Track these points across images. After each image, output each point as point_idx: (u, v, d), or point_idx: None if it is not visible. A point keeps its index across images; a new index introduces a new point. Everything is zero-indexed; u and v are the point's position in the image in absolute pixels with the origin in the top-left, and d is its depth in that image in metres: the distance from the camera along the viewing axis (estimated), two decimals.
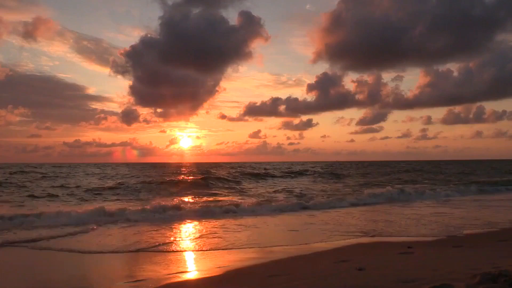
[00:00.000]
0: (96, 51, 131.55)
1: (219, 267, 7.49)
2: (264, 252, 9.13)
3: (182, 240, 10.73)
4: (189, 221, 13.93)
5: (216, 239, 10.58)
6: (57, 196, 22.14)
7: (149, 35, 68.39)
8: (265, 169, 57.96)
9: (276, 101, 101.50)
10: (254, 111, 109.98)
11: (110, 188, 26.91)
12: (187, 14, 56.28)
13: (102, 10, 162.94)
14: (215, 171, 49.27)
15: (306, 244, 9.93)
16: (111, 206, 16.85)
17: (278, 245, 9.71)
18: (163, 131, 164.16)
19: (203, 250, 9.28)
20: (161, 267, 7.54)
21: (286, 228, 12.56)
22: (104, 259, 8.49)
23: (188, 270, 7.48)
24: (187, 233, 11.86)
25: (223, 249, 9.27)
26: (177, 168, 75.42)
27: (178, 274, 7.07)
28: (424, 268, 5.67)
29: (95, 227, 12.16)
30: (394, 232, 11.34)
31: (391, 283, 4.88)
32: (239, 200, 19.95)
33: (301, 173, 48.10)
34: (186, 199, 21.40)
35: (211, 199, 21.36)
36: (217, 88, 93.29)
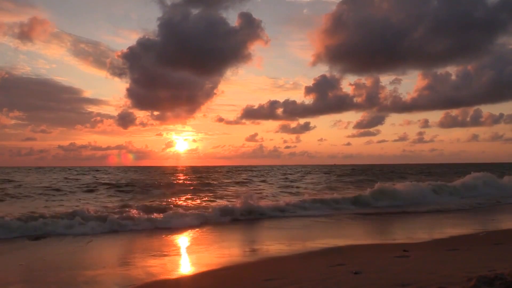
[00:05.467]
0: (93, 54, 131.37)
1: (212, 269, 7.46)
2: (259, 252, 9.13)
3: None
4: None
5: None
6: None
7: (147, 37, 68.07)
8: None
9: (273, 104, 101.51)
10: (251, 114, 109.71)
11: None
12: (185, 15, 56.02)
13: (100, 13, 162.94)
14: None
15: (301, 244, 9.98)
16: None
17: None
18: (160, 134, 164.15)
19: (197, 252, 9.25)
20: (153, 269, 7.53)
21: None
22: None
23: (180, 271, 7.45)
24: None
25: (215, 250, 9.27)
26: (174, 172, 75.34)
27: (169, 276, 7.05)
28: (420, 271, 5.66)
29: None
30: None
31: (387, 287, 4.87)
32: None
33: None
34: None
35: None
36: (215, 91, 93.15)
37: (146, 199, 20.71)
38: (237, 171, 73.10)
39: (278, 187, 31.73)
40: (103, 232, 12.10)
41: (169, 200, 20.50)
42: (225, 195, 24.47)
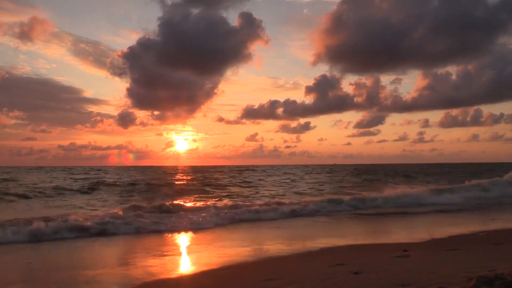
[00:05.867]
0: (93, 53, 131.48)
1: (212, 269, 7.47)
2: (259, 252, 9.14)
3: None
4: None
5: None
6: None
7: (147, 37, 67.96)
8: None
9: (274, 103, 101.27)
10: (251, 114, 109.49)
11: None
12: (186, 14, 55.93)
13: (100, 13, 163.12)
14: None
15: (301, 244, 9.99)
16: None
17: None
18: (160, 134, 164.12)
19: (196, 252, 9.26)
20: (153, 269, 7.53)
21: None
22: None
23: (180, 271, 7.46)
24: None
25: (215, 250, 9.29)
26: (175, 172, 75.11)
27: (169, 275, 7.06)
28: (420, 271, 5.66)
29: None
30: None
31: (387, 287, 4.87)
32: None
33: None
34: None
35: None
36: (215, 91, 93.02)
37: (155, 200, 20.47)
38: (240, 170, 72.64)
39: (298, 188, 30.22)
40: (119, 233, 11.87)
41: (181, 201, 20.30)
42: (235, 195, 24.32)
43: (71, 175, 51.15)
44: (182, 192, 26.56)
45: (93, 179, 39.56)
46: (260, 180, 41.13)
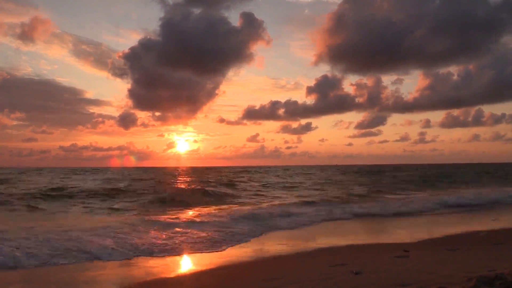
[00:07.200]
0: (94, 54, 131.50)
1: (211, 268, 7.47)
2: (259, 252, 9.13)
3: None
4: None
5: None
6: None
7: (148, 37, 67.93)
8: None
9: (275, 104, 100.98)
10: (252, 114, 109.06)
11: None
12: (187, 15, 55.87)
13: (101, 13, 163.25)
14: None
15: (301, 244, 9.99)
16: None
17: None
18: (161, 135, 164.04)
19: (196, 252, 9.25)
20: (154, 269, 7.53)
21: None
22: None
23: (180, 271, 7.46)
24: None
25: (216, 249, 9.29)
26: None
27: (169, 275, 7.06)
28: (420, 271, 5.65)
29: None
30: None
31: (387, 287, 4.87)
32: None
33: None
34: None
35: None
36: (216, 91, 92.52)
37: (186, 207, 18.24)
38: (253, 172, 67.86)
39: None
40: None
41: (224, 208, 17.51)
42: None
43: (82, 176, 49.79)
44: (219, 198, 22.88)
45: (108, 181, 37.47)
46: (301, 183, 37.04)
